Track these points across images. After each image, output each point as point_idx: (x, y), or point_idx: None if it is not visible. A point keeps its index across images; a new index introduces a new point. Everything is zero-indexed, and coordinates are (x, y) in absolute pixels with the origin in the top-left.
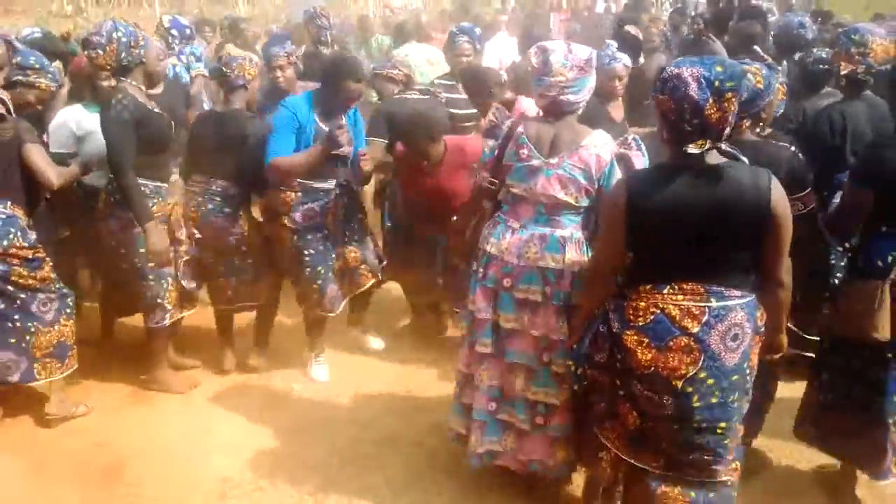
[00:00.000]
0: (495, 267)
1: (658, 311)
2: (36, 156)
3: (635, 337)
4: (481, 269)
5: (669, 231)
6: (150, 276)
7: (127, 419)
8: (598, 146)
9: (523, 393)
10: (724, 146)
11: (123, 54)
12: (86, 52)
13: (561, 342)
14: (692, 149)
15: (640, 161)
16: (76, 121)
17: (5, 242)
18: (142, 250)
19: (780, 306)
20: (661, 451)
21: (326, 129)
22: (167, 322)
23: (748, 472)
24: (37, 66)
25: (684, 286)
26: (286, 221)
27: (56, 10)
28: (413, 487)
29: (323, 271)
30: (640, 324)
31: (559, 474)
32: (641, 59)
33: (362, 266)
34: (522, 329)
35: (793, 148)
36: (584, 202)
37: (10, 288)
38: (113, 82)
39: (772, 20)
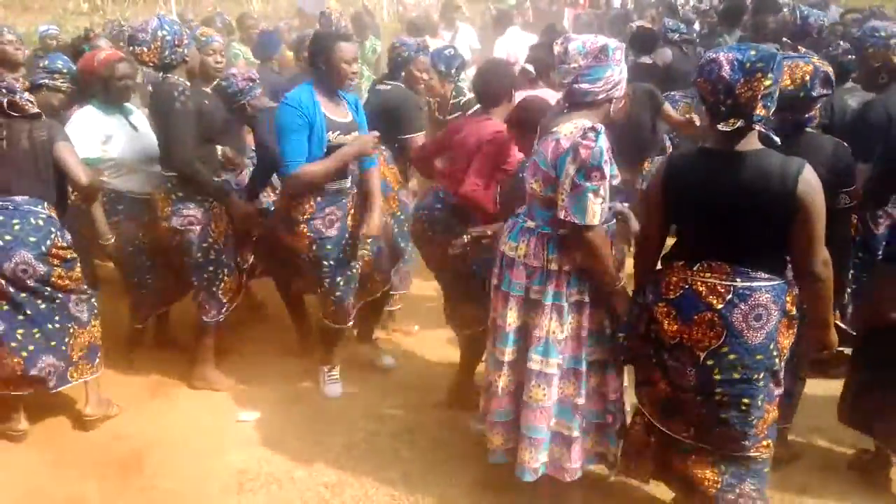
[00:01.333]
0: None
1: (686, 287)
2: (68, 154)
3: (664, 309)
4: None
5: (699, 211)
6: (206, 272)
7: (145, 413)
8: (563, 133)
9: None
10: (759, 128)
11: (167, 52)
12: (130, 48)
13: (503, 328)
14: (724, 127)
15: (589, 152)
16: (97, 123)
17: (48, 242)
18: (204, 244)
19: (818, 299)
20: (691, 422)
21: (335, 118)
22: (221, 318)
23: (779, 461)
24: (64, 70)
25: (713, 264)
26: (305, 230)
27: (73, 8)
28: (429, 481)
29: (342, 282)
30: (671, 297)
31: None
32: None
33: (375, 272)
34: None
35: (837, 140)
36: (546, 192)
37: (48, 289)
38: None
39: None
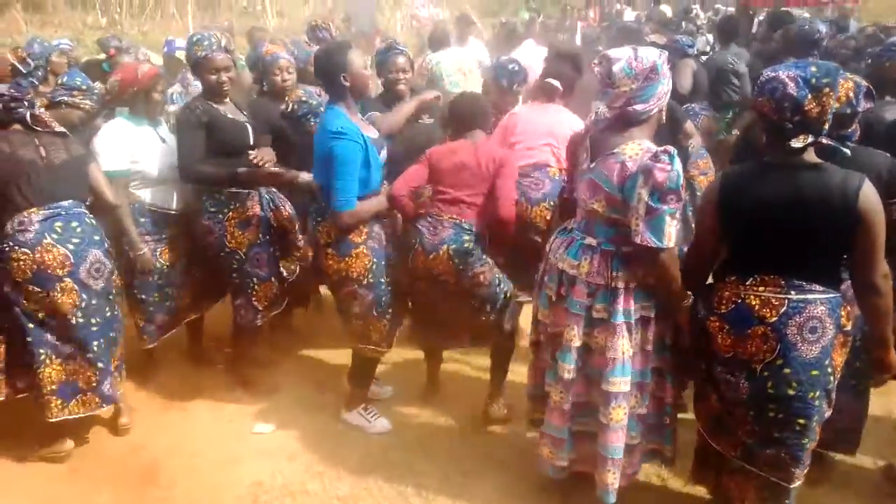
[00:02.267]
0: (544, 264)
1: (739, 301)
2: (100, 175)
3: (717, 323)
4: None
5: (755, 225)
6: (232, 280)
7: (161, 423)
8: (628, 155)
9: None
10: (824, 140)
11: None
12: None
13: (563, 344)
14: (796, 143)
15: (665, 175)
16: (127, 135)
17: (106, 240)
18: (222, 254)
19: (877, 314)
20: (739, 441)
21: (372, 136)
22: (258, 322)
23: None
24: (83, 87)
25: (766, 278)
26: (365, 251)
27: (91, 23)
28: (443, 495)
29: (386, 301)
30: (722, 311)
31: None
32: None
33: None
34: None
35: (888, 154)
36: (610, 212)
37: (112, 293)
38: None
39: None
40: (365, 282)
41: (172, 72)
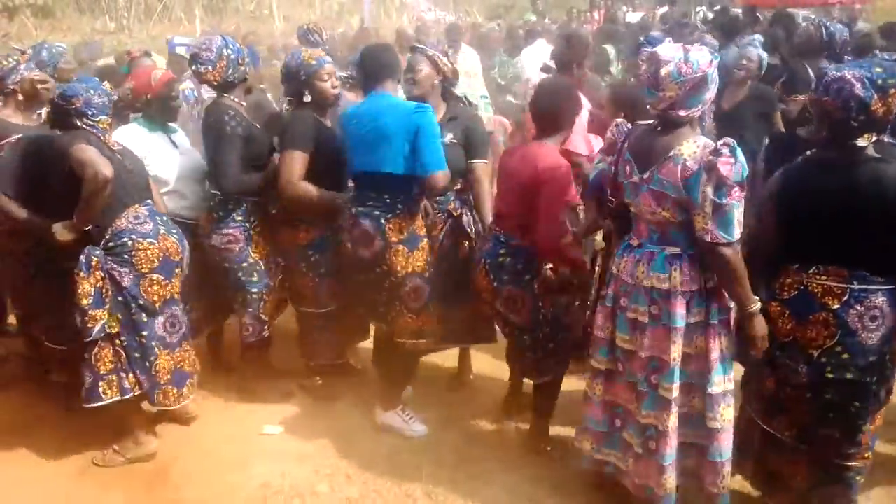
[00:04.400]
0: (615, 286)
1: (801, 287)
2: (151, 181)
3: (778, 308)
4: (604, 288)
5: (816, 219)
6: (247, 293)
7: (171, 425)
8: (686, 155)
9: (636, 415)
10: (886, 138)
11: (230, 70)
12: (193, 67)
13: (669, 364)
14: (861, 142)
15: (730, 168)
16: (142, 141)
17: None
18: (244, 264)
19: None
20: (794, 422)
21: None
22: (265, 335)
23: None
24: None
25: (829, 268)
26: (426, 244)
27: (100, 28)
28: (452, 497)
29: (434, 295)
30: (784, 297)
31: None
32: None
33: None
34: (635, 349)
35: None
36: (682, 216)
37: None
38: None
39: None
40: (427, 275)
41: (176, 70)
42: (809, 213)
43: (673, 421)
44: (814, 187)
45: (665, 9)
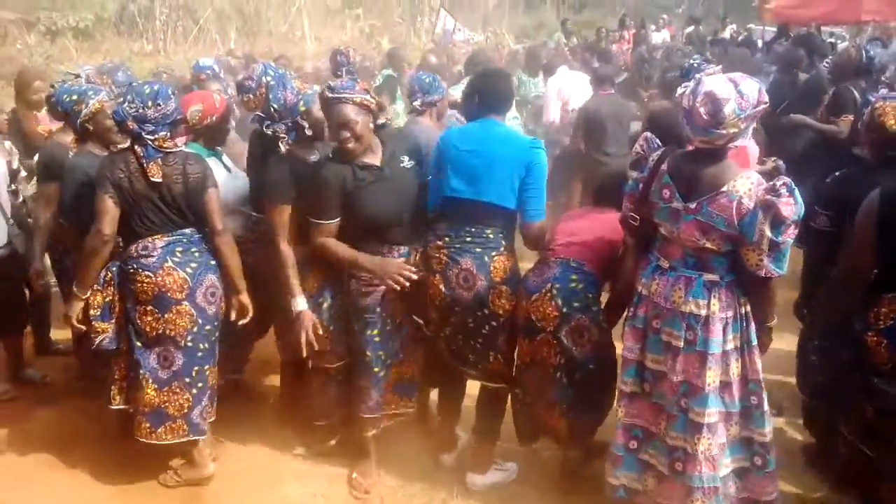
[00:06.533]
0: (645, 307)
1: None
2: (213, 199)
3: (875, 338)
4: (632, 309)
5: None
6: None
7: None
8: (741, 191)
9: (662, 437)
10: None
11: (272, 96)
12: (240, 96)
13: (703, 390)
14: None
15: (791, 209)
16: None
17: (219, 271)
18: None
19: None
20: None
21: None
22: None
23: None
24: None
25: None
26: (437, 280)
27: (138, 50)
28: None
29: None
30: (881, 326)
31: None
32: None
33: None
34: (666, 371)
35: None
36: (726, 247)
37: (218, 320)
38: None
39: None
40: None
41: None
42: None
43: (705, 445)
44: None
45: (691, 28)
